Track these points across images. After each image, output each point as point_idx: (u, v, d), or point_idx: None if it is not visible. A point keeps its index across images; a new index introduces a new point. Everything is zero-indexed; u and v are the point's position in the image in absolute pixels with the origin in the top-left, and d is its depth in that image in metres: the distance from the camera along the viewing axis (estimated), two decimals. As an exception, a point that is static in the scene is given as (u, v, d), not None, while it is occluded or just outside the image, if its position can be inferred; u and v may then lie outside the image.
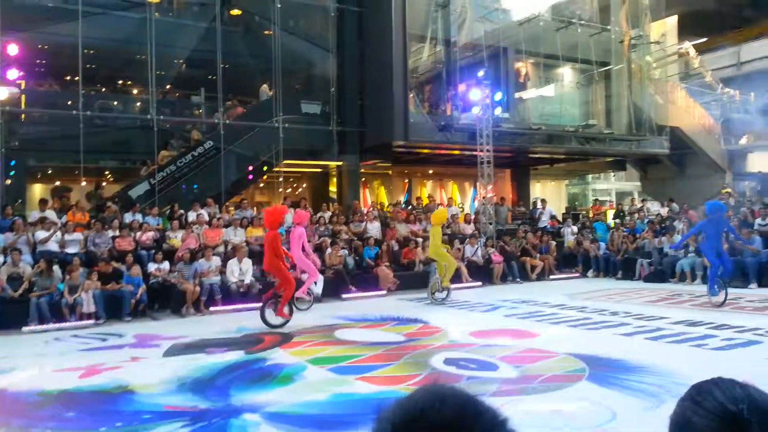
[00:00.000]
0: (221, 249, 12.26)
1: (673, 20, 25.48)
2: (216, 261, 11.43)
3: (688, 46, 25.87)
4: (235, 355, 7.14)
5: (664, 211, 17.27)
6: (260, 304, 9.32)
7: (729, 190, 20.16)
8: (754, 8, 28.38)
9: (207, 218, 13.01)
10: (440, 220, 12.01)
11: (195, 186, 15.25)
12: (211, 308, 10.79)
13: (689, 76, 26.75)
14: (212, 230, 12.54)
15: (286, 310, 9.16)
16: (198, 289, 10.74)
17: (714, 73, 26.80)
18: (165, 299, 10.96)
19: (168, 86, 17.49)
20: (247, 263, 11.62)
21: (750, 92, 26.38)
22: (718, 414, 0.87)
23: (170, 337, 8.38)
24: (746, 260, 12.23)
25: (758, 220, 13.93)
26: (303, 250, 9.87)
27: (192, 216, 13.08)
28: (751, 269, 12.15)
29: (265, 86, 16.90)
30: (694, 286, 12.46)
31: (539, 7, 18.36)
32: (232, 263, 11.48)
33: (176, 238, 12.35)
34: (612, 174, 30.48)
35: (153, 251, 11.68)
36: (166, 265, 11.23)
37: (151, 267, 11.15)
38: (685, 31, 26.79)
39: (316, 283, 11.79)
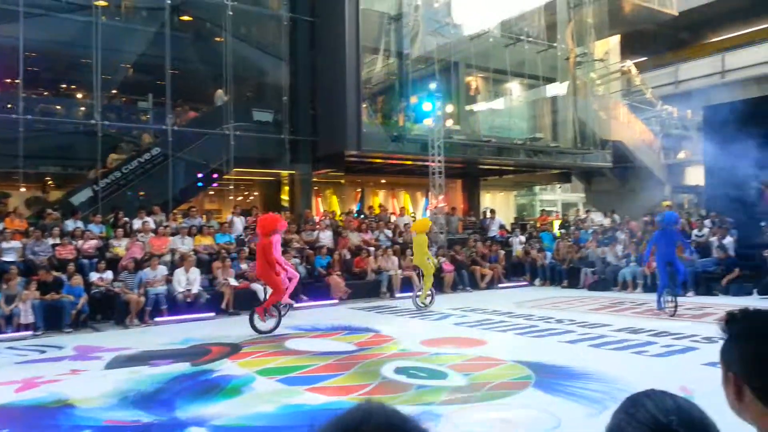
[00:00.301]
0: (168, 258, 11.96)
1: (615, 39, 26.55)
2: (162, 270, 11.14)
3: (629, 64, 26.99)
4: (180, 367, 6.97)
5: (607, 222, 17.86)
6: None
7: (669, 202, 21.05)
8: (689, 31, 29.90)
9: (153, 226, 12.68)
10: (423, 228, 12.14)
11: (141, 193, 14.87)
12: (157, 319, 10.50)
13: (631, 92, 27.87)
14: (158, 238, 12.22)
15: (271, 322, 9.17)
16: (143, 299, 10.44)
17: (654, 90, 28.01)
18: (108, 310, 10.60)
19: (114, 91, 17.02)
20: (195, 273, 11.37)
21: (687, 109, 27.69)
22: (649, 426, 0.92)
23: (113, 348, 8.12)
24: (686, 270, 12.77)
25: (695, 231, 14.59)
26: None
27: (137, 224, 12.73)
28: (688, 278, 12.69)
29: (220, 91, 16.69)
30: (636, 294, 12.93)
31: (489, 24, 18.82)
32: (179, 272, 11.22)
33: (120, 246, 11.99)
34: (558, 185, 31.34)
35: (95, 260, 11.30)
36: (109, 274, 10.88)
37: (94, 276, 10.78)
38: (627, 49, 27.96)
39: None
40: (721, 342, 1.29)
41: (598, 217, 19.04)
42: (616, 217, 17.66)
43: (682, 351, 7.25)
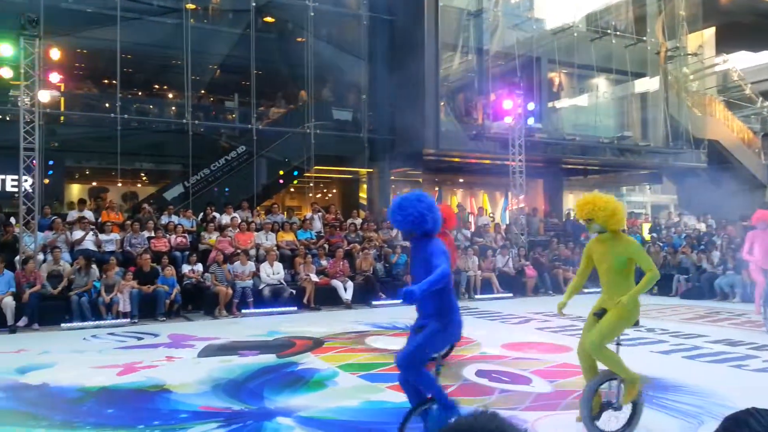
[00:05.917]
0: (253, 252, 12.37)
1: (710, 32, 25.01)
2: (251, 266, 11.54)
3: (726, 58, 25.36)
4: (267, 359, 7.19)
5: (702, 226, 16.87)
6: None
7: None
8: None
9: (239, 221, 13.14)
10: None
11: (227, 189, 15.47)
12: (243, 311, 10.89)
13: (728, 88, 26.20)
14: (243, 234, 12.64)
15: None
16: (230, 291, 10.85)
17: (754, 86, 26.18)
18: (198, 300, 11.10)
19: (202, 91, 17.77)
20: (279, 267, 11.71)
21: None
22: None
23: (204, 338, 8.50)
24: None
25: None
26: None
27: (225, 219, 13.22)
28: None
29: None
30: (734, 304, 12.13)
31: (573, 17, 18.22)
32: (265, 266, 11.59)
33: (212, 239, 12.45)
34: (648, 186, 29.97)
35: (187, 253, 11.85)
36: (199, 266, 11.38)
37: (185, 268, 11.31)
38: (723, 43, 26.26)
39: (345, 289, 11.85)
40: None
41: (691, 221, 18.05)
42: (711, 221, 16.64)
43: (788, 366, 6.74)
